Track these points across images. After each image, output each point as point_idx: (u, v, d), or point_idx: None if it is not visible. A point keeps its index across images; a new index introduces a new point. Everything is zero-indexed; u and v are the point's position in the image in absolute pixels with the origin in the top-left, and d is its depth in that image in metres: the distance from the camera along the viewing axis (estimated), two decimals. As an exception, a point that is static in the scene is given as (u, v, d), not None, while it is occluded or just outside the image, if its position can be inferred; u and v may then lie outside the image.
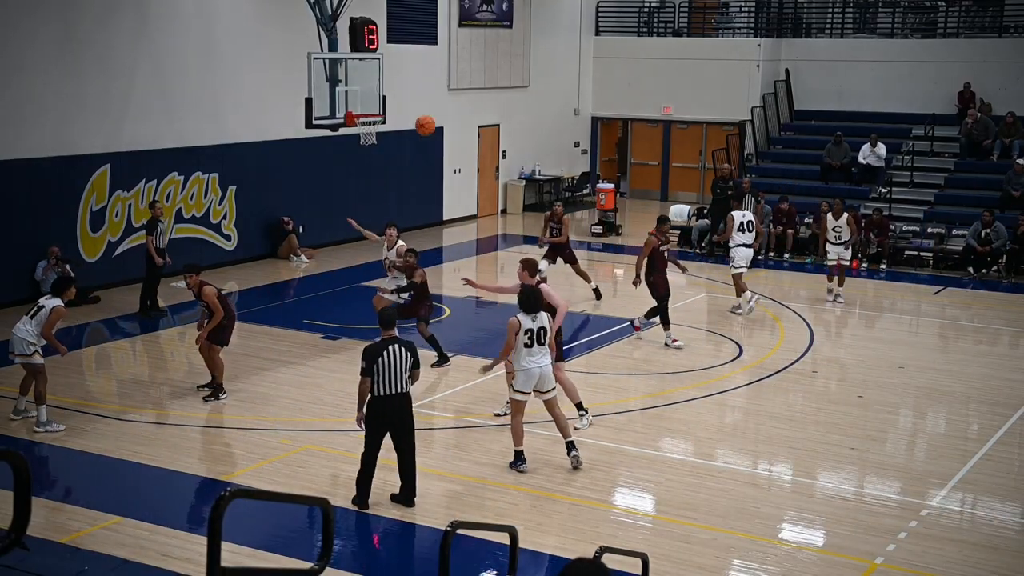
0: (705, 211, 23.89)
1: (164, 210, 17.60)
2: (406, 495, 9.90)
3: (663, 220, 15.71)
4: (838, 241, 18.64)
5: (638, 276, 15.40)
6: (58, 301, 11.90)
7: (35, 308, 11.93)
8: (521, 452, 10.85)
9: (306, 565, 4.47)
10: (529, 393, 10.73)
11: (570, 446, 10.88)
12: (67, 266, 17.32)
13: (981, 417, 13.04)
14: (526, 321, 10.55)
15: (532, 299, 10.65)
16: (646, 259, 15.29)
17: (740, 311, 17.32)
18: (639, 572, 7.08)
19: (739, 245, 17.49)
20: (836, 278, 18.78)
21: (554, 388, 10.83)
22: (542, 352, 10.60)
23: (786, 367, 14.69)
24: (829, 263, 18.95)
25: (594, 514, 9.98)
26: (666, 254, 15.46)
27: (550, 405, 10.83)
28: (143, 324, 16.58)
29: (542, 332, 10.58)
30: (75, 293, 12.50)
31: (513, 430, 10.84)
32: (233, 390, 13.30)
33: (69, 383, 13.59)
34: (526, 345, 10.54)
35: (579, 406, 12.12)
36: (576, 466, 10.79)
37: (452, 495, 10.32)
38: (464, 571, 8.69)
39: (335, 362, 14.51)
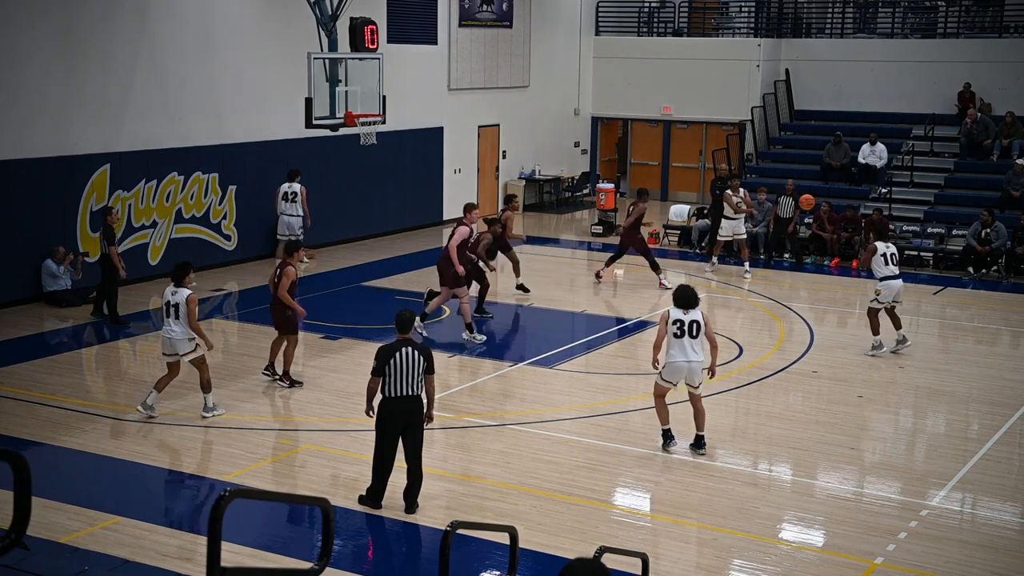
0: (705, 211, 23.91)
1: (118, 218, 17.40)
2: (408, 500, 9.88)
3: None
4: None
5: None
6: (187, 291, 11.98)
7: (171, 308, 11.92)
8: (668, 430, 11.29)
9: (306, 565, 4.47)
10: (674, 384, 11.11)
11: (698, 440, 11.31)
12: (79, 258, 17.36)
13: (981, 417, 13.04)
14: (676, 312, 10.93)
15: (682, 296, 11.01)
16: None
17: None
18: (639, 572, 7.08)
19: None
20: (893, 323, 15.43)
21: (702, 383, 11.17)
22: (692, 347, 10.89)
23: (786, 367, 14.69)
24: None
25: (594, 514, 9.98)
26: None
27: (694, 398, 11.21)
28: (141, 325, 16.57)
29: (694, 325, 10.86)
30: (194, 277, 12.42)
31: (657, 411, 11.30)
32: (233, 390, 13.31)
33: (69, 383, 13.60)
34: (675, 336, 10.90)
35: (468, 327, 15.12)
36: (697, 454, 11.29)
37: (452, 495, 10.32)
38: (464, 571, 8.70)
39: (335, 362, 14.52)
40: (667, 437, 11.34)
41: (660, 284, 18.94)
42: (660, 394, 11.26)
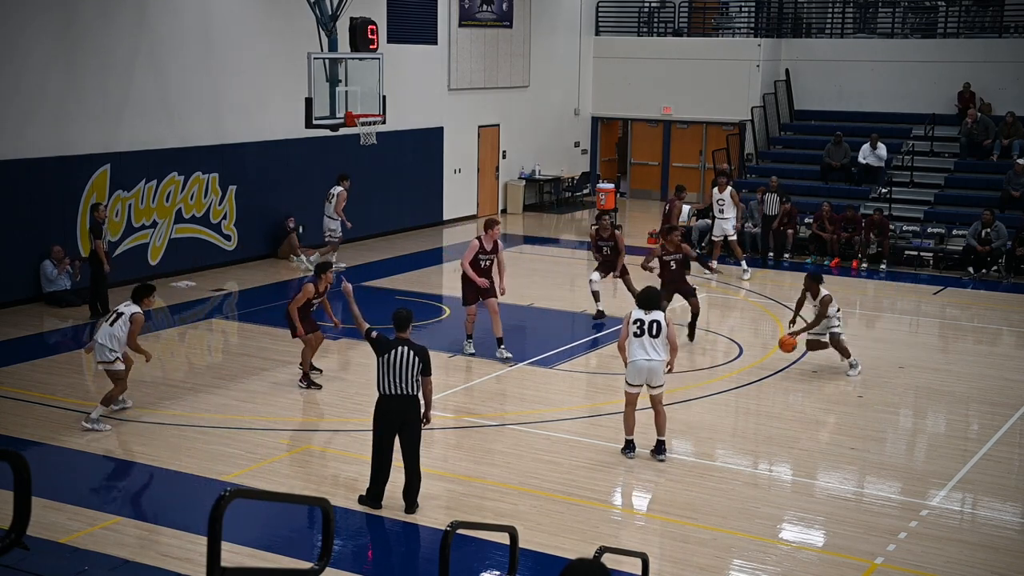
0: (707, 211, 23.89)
1: (107, 213, 17.15)
2: (407, 500, 9.88)
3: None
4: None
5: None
6: (137, 308, 11.84)
7: (113, 315, 11.87)
8: (631, 441, 11.22)
9: (306, 565, 4.47)
10: (639, 385, 11.07)
11: (659, 446, 11.25)
12: (76, 262, 17.35)
13: (981, 417, 13.04)
14: (637, 312, 11.06)
15: (645, 297, 11.23)
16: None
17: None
18: (639, 572, 7.08)
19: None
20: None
21: (662, 385, 11.11)
22: (653, 346, 10.94)
23: (786, 367, 14.68)
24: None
25: (594, 514, 9.98)
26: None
27: (654, 400, 11.18)
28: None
29: (654, 325, 10.95)
30: (154, 302, 12.44)
31: (624, 420, 11.26)
32: (234, 390, 13.31)
33: (69, 383, 13.60)
34: (635, 335, 10.97)
35: (499, 340, 14.41)
36: (657, 460, 11.22)
37: (452, 495, 10.32)
38: (464, 571, 8.70)
39: (335, 362, 14.51)
40: (628, 446, 11.25)
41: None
42: (630, 402, 11.19)
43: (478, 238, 14.79)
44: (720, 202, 20.48)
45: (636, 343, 10.97)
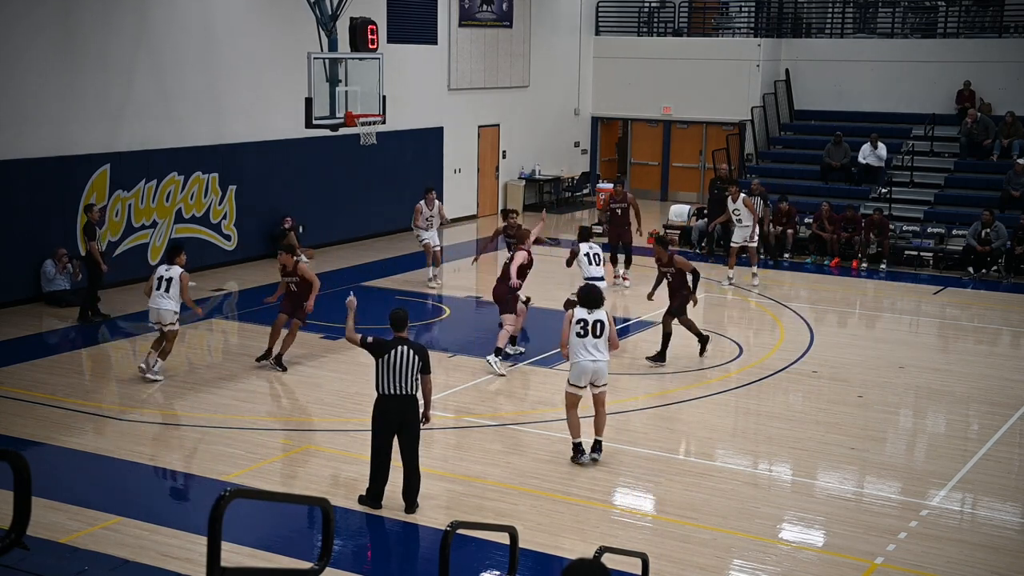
0: (705, 211, 23.88)
1: (99, 214, 17.07)
2: (407, 500, 9.88)
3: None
4: None
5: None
6: (179, 268, 13.27)
7: (163, 282, 13.23)
8: (579, 444, 11.01)
9: (306, 565, 4.47)
10: (583, 387, 10.87)
11: (596, 445, 11.08)
12: (75, 261, 17.34)
13: (981, 417, 13.04)
14: (580, 312, 10.81)
15: (587, 296, 10.95)
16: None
17: None
18: (639, 572, 7.09)
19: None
20: None
21: (606, 384, 10.95)
22: (596, 347, 10.73)
23: (786, 367, 14.69)
24: None
25: (594, 514, 9.99)
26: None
27: (597, 400, 10.98)
28: (141, 324, 16.54)
29: (598, 325, 10.74)
30: (185, 259, 13.65)
31: (569, 423, 11.03)
32: (234, 390, 13.31)
33: (69, 383, 13.60)
34: (579, 335, 10.73)
35: (497, 351, 14.12)
36: (590, 462, 10.98)
37: (452, 495, 10.32)
38: (464, 571, 8.70)
39: (335, 362, 14.51)
40: (578, 450, 11.02)
41: (618, 276, 19.47)
42: (572, 404, 10.96)
43: (527, 251, 14.94)
44: (736, 211, 20.28)
45: (579, 343, 10.72)
